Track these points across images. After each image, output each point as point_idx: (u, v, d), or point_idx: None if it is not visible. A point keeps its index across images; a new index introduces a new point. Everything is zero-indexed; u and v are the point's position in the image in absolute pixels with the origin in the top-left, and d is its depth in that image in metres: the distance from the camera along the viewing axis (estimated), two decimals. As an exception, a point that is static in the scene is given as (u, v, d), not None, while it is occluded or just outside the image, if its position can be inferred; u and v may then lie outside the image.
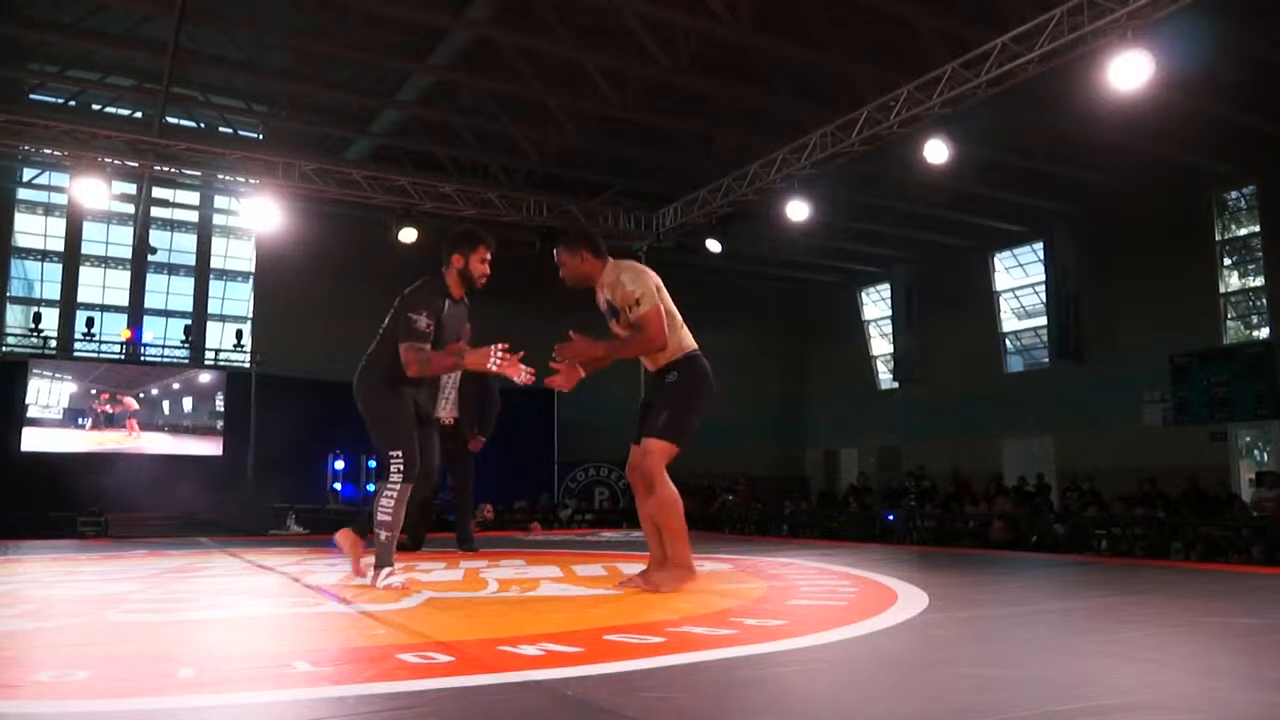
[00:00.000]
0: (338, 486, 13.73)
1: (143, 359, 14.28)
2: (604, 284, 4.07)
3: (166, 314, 15.55)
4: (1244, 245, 13.85)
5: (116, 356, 14.08)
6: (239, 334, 14.66)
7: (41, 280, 14.93)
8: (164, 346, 14.88)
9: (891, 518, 13.33)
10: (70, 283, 14.79)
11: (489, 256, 4.18)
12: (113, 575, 4.99)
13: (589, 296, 4.21)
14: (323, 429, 12.44)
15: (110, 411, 13.16)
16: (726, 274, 16.81)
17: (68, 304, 14.66)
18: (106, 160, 10.31)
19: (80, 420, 13.03)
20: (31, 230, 14.92)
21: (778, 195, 11.36)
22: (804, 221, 11.39)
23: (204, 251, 15.75)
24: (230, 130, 13.32)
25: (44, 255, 14.94)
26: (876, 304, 19.27)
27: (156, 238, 14.75)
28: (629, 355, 4.04)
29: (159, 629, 3.14)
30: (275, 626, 3.32)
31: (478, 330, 4.86)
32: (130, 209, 14.41)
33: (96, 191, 10.20)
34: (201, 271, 15.72)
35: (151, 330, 15.11)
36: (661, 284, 4.05)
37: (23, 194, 14.79)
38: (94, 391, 13.14)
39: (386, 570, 4.03)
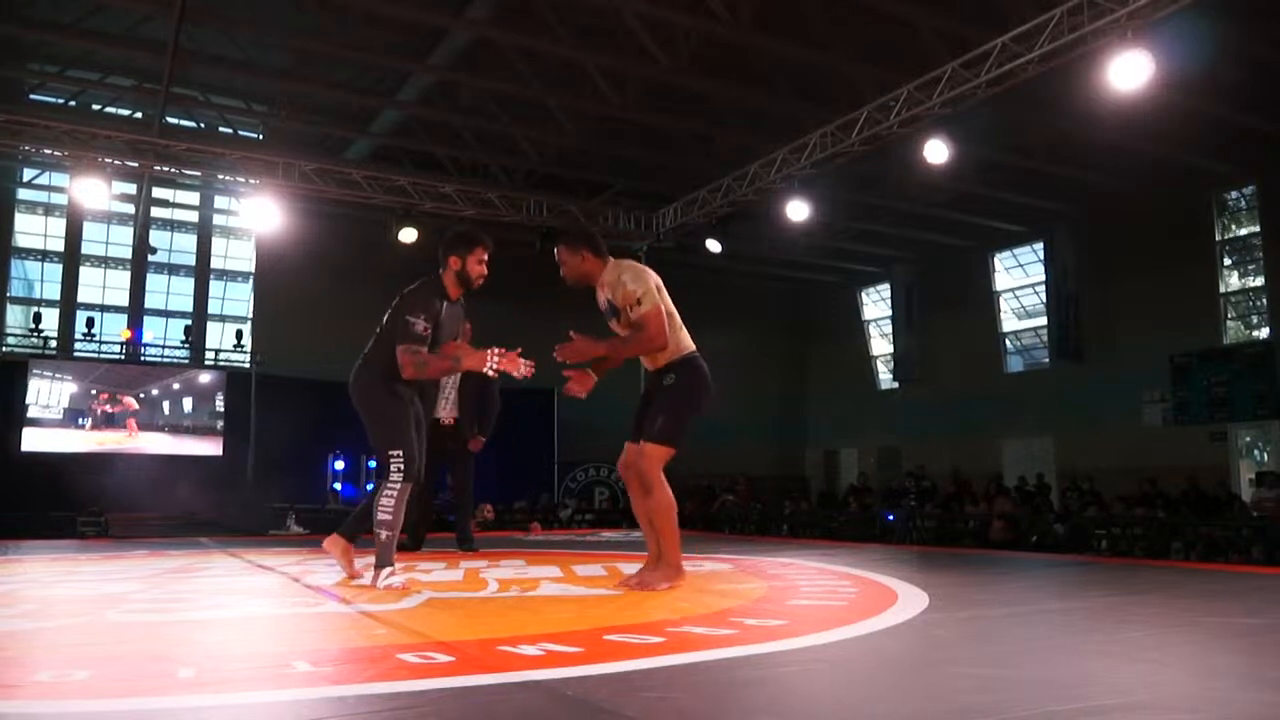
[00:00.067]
0: (338, 486, 13.72)
1: (143, 359, 14.26)
2: (604, 283, 4.08)
3: (166, 314, 15.55)
4: (1244, 245, 13.85)
5: (116, 357, 14.07)
6: (239, 334, 14.65)
7: (41, 280, 14.93)
8: (164, 347, 14.86)
9: (891, 518, 13.33)
10: (70, 283, 14.79)
11: (486, 258, 4.17)
12: (113, 575, 4.99)
13: (589, 296, 4.21)
14: (323, 429, 12.43)
15: (110, 411, 13.15)
16: (726, 274, 16.80)
17: (68, 304, 14.66)
18: (106, 160, 10.31)
19: (80, 420, 13.02)
20: (31, 230, 14.92)
21: (778, 195, 11.36)
22: (804, 221, 11.39)
23: (204, 252, 15.75)
24: (230, 130, 13.31)
25: (44, 255, 14.94)
26: (876, 304, 19.26)
27: (156, 238, 14.75)
28: (629, 355, 4.06)
29: (159, 629, 3.14)
30: (275, 626, 3.32)
31: (478, 330, 4.86)
32: (130, 209, 14.41)
33: (96, 191, 10.20)
34: (201, 272, 15.72)
35: (151, 330, 15.10)
36: (661, 284, 4.07)
37: (23, 194, 14.78)
38: (94, 391, 13.13)
39: (387, 570, 4.04)
